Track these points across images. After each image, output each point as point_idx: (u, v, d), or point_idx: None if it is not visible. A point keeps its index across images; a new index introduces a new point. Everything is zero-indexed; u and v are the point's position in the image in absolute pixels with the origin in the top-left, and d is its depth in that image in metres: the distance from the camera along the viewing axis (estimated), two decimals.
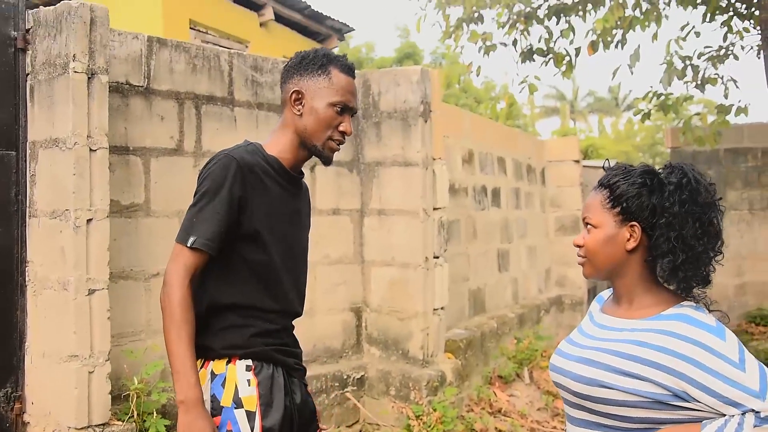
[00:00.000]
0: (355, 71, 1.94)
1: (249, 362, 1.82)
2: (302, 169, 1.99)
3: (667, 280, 1.52)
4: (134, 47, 3.38)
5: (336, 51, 13.23)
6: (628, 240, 1.54)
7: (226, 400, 1.78)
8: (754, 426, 1.37)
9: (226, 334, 1.82)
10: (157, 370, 3.18)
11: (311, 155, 1.93)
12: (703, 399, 1.39)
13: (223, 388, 1.78)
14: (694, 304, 1.51)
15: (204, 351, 1.80)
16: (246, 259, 1.81)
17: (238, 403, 1.78)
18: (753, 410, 1.38)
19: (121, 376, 3.12)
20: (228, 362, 1.81)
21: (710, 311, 1.51)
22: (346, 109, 1.88)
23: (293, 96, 1.88)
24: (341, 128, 1.88)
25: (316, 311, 4.29)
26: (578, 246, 1.62)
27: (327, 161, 1.93)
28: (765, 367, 1.42)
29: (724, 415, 1.40)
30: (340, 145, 1.91)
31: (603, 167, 1.66)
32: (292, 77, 1.91)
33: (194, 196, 1.80)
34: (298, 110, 1.88)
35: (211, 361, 1.82)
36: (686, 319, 1.46)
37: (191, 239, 1.73)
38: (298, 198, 1.99)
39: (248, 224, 1.79)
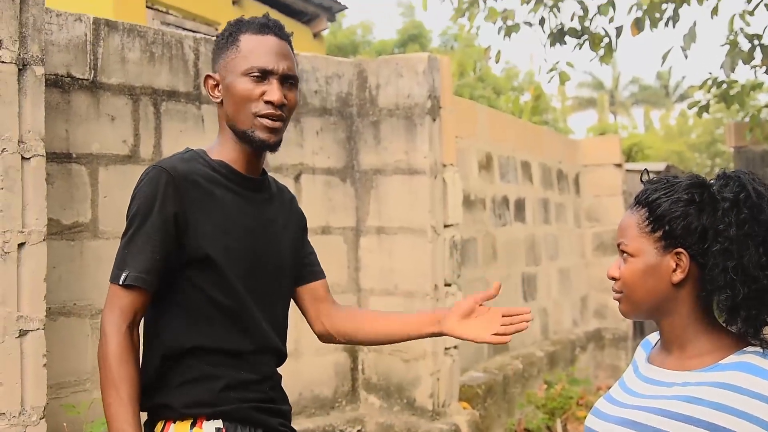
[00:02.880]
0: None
1: (219, 424, 1.78)
2: (265, 168, 1.95)
3: (727, 320, 1.48)
4: (77, 31, 3.37)
5: (325, 33, 13.20)
6: (674, 271, 1.50)
7: None
8: None
9: (190, 387, 1.78)
10: (106, 429, 3.14)
11: (257, 149, 1.86)
12: None
13: None
14: (761, 350, 1.47)
15: (163, 410, 1.77)
16: (202, 288, 1.78)
17: None
18: None
19: None
20: (193, 424, 1.77)
21: None
22: (266, 74, 1.81)
23: (208, 83, 1.88)
24: (266, 97, 1.80)
25: (302, 352, 4.26)
26: (613, 278, 1.59)
27: (265, 145, 1.84)
28: None
29: None
30: (278, 121, 1.83)
31: (641, 179, 1.62)
32: (213, 64, 1.92)
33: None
34: (218, 97, 1.87)
35: (173, 423, 1.78)
36: (748, 368, 1.43)
37: (123, 276, 1.72)
38: (270, 204, 1.95)
39: (194, 246, 1.76)
